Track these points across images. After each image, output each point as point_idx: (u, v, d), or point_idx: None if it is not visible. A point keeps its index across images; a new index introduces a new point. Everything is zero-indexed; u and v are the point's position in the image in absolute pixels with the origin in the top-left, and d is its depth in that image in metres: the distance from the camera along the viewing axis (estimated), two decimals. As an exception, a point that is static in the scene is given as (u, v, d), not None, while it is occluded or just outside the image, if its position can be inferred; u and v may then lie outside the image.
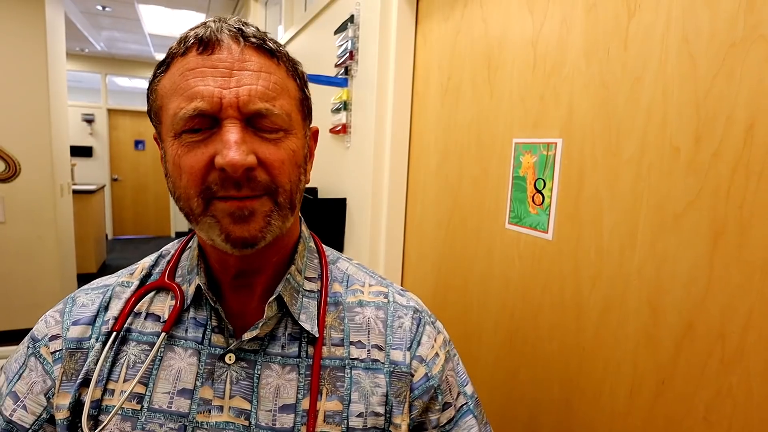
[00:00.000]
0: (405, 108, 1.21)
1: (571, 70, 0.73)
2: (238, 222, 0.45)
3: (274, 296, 0.50)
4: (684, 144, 0.58)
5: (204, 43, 0.45)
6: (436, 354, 0.55)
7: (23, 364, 0.52)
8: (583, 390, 0.72)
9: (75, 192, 3.92)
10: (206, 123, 0.44)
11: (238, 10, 4.32)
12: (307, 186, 1.89)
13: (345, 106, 1.39)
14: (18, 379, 0.52)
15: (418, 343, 0.55)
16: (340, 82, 1.40)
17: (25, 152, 3.43)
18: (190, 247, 0.56)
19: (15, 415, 0.51)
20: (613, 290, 0.67)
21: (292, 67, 0.50)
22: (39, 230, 3.50)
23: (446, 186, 1.07)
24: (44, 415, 0.51)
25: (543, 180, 0.79)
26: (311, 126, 0.55)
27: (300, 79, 0.51)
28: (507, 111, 0.88)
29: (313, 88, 1.77)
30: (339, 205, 1.43)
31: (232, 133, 0.44)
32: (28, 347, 0.53)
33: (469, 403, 0.58)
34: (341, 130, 1.41)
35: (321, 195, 1.68)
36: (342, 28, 1.41)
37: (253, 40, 0.46)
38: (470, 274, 0.99)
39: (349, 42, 1.35)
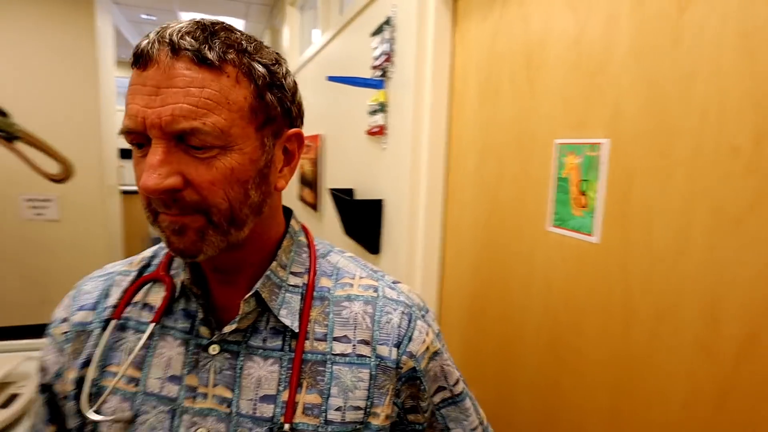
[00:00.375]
0: (442, 109, 1.20)
1: (618, 69, 0.71)
2: (175, 235, 0.46)
3: (250, 293, 0.51)
4: (743, 143, 0.55)
5: (138, 58, 0.44)
6: (427, 348, 0.56)
7: (46, 342, 0.60)
8: (633, 399, 0.70)
9: (122, 192, 4.09)
10: (144, 139, 0.45)
11: (274, 16, 4.41)
12: (343, 187, 1.90)
13: (382, 107, 1.39)
14: (43, 354, 0.60)
15: (410, 339, 0.55)
16: (377, 83, 1.41)
17: (77, 154, 3.61)
18: None
19: (39, 378, 0.59)
20: (666, 296, 0.64)
21: (245, 71, 0.46)
22: (90, 228, 3.68)
23: (485, 187, 1.06)
24: (53, 385, 0.58)
25: (588, 182, 0.77)
26: (290, 129, 0.52)
27: (258, 84, 0.47)
28: (548, 111, 0.86)
29: (350, 90, 1.78)
30: (375, 206, 1.43)
31: (153, 155, 0.43)
32: (48, 329, 0.60)
33: (466, 389, 0.61)
34: (378, 132, 1.42)
35: (357, 196, 1.69)
36: (378, 31, 1.41)
37: (186, 52, 0.43)
38: (510, 276, 0.98)
39: (386, 44, 1.35)
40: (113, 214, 3.90)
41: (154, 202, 0.45)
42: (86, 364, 0.55)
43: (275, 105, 0.49)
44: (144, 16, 4.71)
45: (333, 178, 2.09)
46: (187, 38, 0.43)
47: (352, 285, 0.57)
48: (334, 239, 2.05)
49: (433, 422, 0.58)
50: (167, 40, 0.43)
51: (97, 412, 0.53)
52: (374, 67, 1.45)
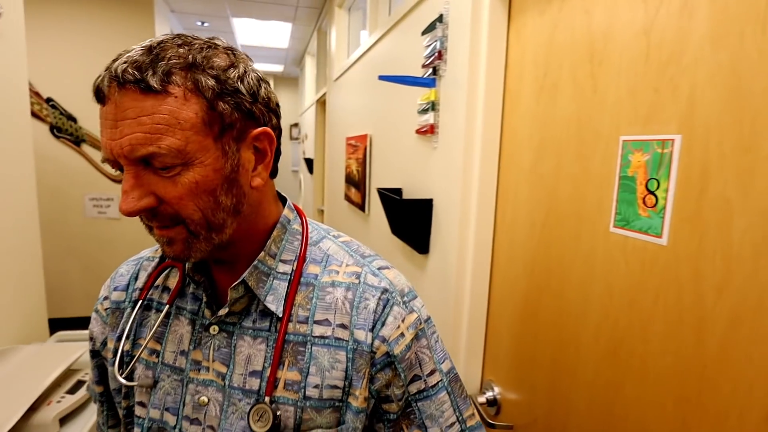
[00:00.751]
0: (496, 107, 1.18)
1: (693, 59, 0.67)
2: (164, 245, 0.53)
3: (238, 281, 0.57)
4: (842, 137, 0.50)
5: (96, 96, 0.49)
6: (402, 334, 0.59)
7: (92, 317, 0.70)
8: (705, 410, 0.65)
9: (177, 192, 4.28)
10: (120, 166, 0.50)
11: (321, 18, 4.48)
12: (391, 187, 1.89)
13: (433, 106, 1.38)
14: (91, 325, 0.70)
15: (383, 324, 0.58)
16: (428, 82, 1.40)
17: (136, 156, 3.81)
18: None
19: (91, 346, 0.70)
20: (745, 302, 0.60)
21: (191, 87, 0.48)
22: (147, 227, 3.87)
23: (541, 186, 1.03)
24: (100, 351, 0.69)
25: (656, 180, 0.73)
26: (254, 130, 0.53)
27: (207, 97, 0.48)
28: (613, 107, 0.82)
29: (398, 90, 1.77)
30: (425, 206, 1.42)
31: (126, 181, 0.48)
32: (95, 305, 0.70)
33: (444, 380, 0.62)
34: (428, 131, 1.41)
35: (406, 196, 1.69)
36: (430, 29, 1.41)
37: (131, 85, 0.46)
38: (568, 278, 0.94)
39: (438, 42, 1.34)
40: (168, 212, 4.08)
41: (141, 217, 0.52)
42: (120, 337, 0.65)
43: (231, 112, 0.50)
44: (198, 23, 4.91)
45: (381, 177, 2.10)
46: (130, 70, 0.46)
47: (338, 272, 0.61)
48: (381, 239, 2.06)
49: (410, 414, 0.60)
50: (114, 75, 0.47)
51: (129, 377, 0.62)
52: (425, 66, 1.44)
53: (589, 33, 0.88)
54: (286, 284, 0.59)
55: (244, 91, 0.51)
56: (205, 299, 0.60)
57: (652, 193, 0.74)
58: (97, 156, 3.72)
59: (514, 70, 1.14)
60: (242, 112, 0.51)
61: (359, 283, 0.60)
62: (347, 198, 2.83)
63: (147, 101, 0.46)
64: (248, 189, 0.55)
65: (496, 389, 1.22)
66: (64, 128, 3.65)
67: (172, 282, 0.65)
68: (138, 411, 0.62)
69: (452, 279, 1.28)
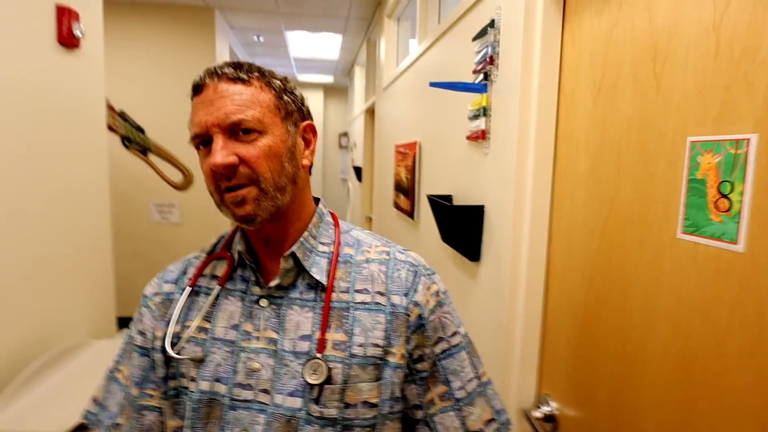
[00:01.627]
0: (550, 111, 1.15)
1: (771, 54, 0.62)
2: (237, 206, 0.63)
3: (288, 252, 0.67)
4: None
5: (195, 88, 0.65)
6: (428, 300, 0.69)
7: (140, 312, 0.76)
8: (790, 434, 0.60)
9: (233, 200, 4.45)
10: (207, 138, 0.63)
11: (371, 29, 4.56)
12: (441, 194, 1.88)
13: (484, 112, 1.36)
14: (138, 322, 0.75)
15: (415, 291, 0.69)
16: (479, 87, 1.38)
17: (197, 164, 4.01)
18: (239, 228, 0.75)
19: (139, 342, 0.74)
20: (838, 316, 0.55)
21: (266, 83, 0.66)
22: (205, 232, 4.05)
23: (599, 191, 0.99)
24: (149, 345, 0.73)
25: (730, 183, 0.68)
26: (303, 122, 0.71)
27: (276, 90, 0.66)
28: (679, 107, 0.78)
29: (447, 97, 1.76)
30: (476, 213, 1.40)
31: (216, 143, 0.62)
32: (141, 302, 0.76)
33: (463, 341, 0.73)
34: (479, 137, 1.39)
35: (456, 202, 1.67)
36: (481, 34, 1.39)
37: (225, 75, 0.63)
38: (631, 287, 0.90)
39: (489, 47, 1.33)
40: (224, 219, 4.25)
41: (220, 179, 0.62)
42: (169, 322, 0.71)
43: (291, 103, 0.68)
44: (255, 37, 5.12)
45: (430, 184, 2.09)
46: (225, 69, 0.64)
47: (369, 251, 0.73)
48: (430, 246, 2.04)
49: (435, 372, 0.70)
50: (212, 72, 0.64)
51: (178, 354, 0.68)
52: (476, 72, 1.42)
53: (652, 31, 0.84)
54: (327, 261, 0.70)
55: (297, 94, 0.70)
56: (253, 278, 0.70)
57: (725, 196, 0.69)
58: (161, 164, 3.94)
59: (569, 73, 1.11)
60: (297, 107, 0.69)
61: (390, 258, 0.72)
62: (396, 205, 2.84)
63: (237, 86, 0.63)
64: (300, 165, 0.69)
65: (553, 404, 1.17)
66: (133, 139, 3.90)
67: (219, 271, 0.73)
68: (189, 385, 0.68)
69: (505, 287, 1.25)
